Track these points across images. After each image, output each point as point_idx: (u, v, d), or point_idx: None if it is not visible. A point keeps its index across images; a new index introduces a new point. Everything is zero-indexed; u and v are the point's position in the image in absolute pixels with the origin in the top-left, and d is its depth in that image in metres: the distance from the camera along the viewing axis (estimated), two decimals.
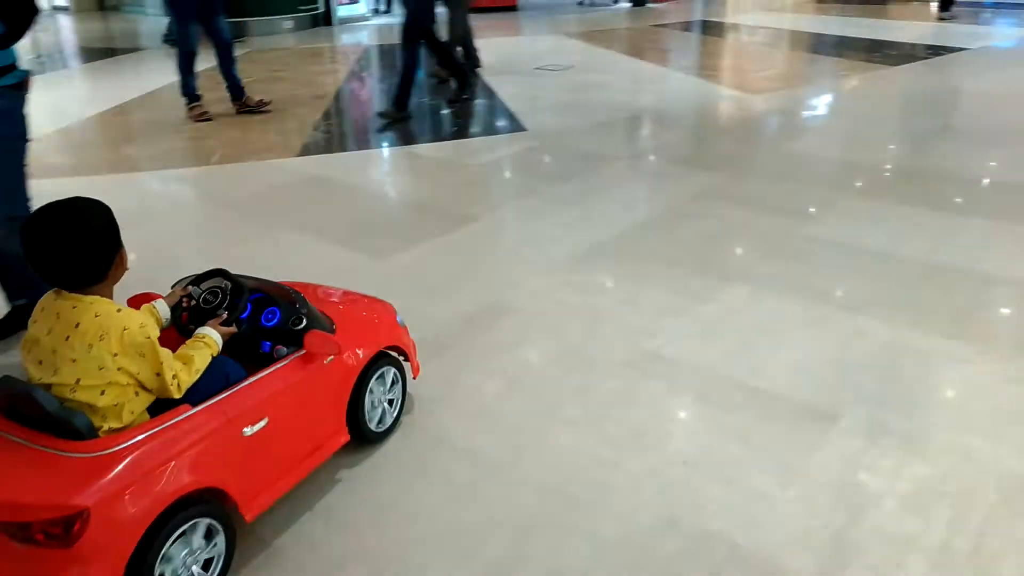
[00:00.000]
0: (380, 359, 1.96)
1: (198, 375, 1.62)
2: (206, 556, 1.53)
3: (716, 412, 2.13)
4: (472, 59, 6.85)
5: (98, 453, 1.40)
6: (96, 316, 1.48)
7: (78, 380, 1.47)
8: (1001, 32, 9.22)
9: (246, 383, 1.65)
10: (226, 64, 5.52)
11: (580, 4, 12.71)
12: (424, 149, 4.96)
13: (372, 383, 1.93)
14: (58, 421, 1.42)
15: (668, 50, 8.84)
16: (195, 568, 1.50)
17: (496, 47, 9.02)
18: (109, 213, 1.54)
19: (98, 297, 1.51)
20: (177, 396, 1.56)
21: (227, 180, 4.31)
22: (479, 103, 6.16)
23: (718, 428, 2.06)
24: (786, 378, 2.28)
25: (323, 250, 3.26)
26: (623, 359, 2.40)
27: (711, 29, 10.38)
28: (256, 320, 1.85)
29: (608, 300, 2.82)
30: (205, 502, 1.51)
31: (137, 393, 1.53)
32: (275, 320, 1.83)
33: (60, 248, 1.46)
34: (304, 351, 1.76)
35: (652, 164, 4.47)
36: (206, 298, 1.86)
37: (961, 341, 2.47)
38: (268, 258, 3.18)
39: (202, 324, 1.73)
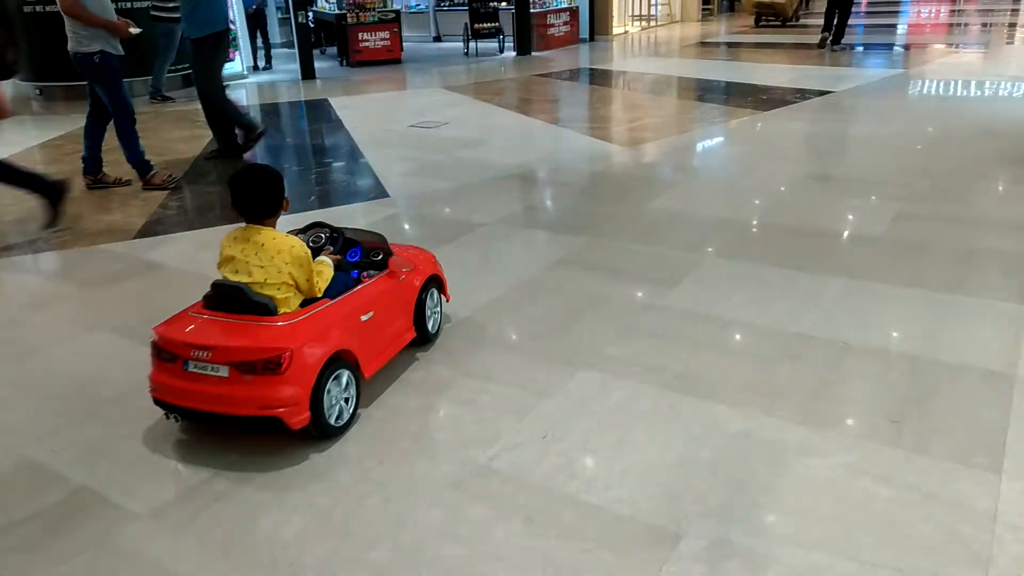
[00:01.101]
0: (430, 283, 2.89)
1: (328, 283, 2.50)
2: (345, 396, 2.37)
3: (544, 542, 1.88)
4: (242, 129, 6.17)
5: (290, 322, 2.28)
6: (273, 239, 2.37)
7: (265, 280, 2.33)
8: (866, 74, 9.61)
9: (357, 289, 2.56)
10: (100, 133, 5.26)
11: (466, 55, 12.68)
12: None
13: (427, 299, 2.85)
14: (258, 305, 2.28)
15: (549, 102, 8.81)
16: (341, 402, 2.34)
17: (372, 104, 8.81)
18: (279, 175, 2.48)
19: (272, 228, 2.42)
20: (318, 295, 2.45)
21: (48, 270, 3.87)
22: (343, 167, 5.89)
23: (543, 563, 1.80)
24: (628, 489, 2.06)
25: (140, 355, 2.89)
26: (450, 478, 2.13)
27: (595, 78, 10.47)
28: (344, 254, 2.82)
29: (447, 401, 2.56)
30: (344, 360, 2.35)
31: (295, 293, 2.39)
32: (357, 256, 2.81)
33: (256, 192, 2.40)
34: (389, 270, 2.71)
35: (516, 230, 4.27)
36: (313, 240, 2.82)
37: (812, 427, 2.30)
38: (79, 364, 2.78)
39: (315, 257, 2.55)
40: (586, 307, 3.23)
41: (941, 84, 8.69)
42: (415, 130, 7.04)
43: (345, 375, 2.36)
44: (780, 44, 12.66)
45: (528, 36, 12.27)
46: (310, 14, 12.53)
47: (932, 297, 3.21)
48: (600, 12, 13.93)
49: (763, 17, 15.61)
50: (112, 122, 5.17)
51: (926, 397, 2.47)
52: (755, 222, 4.29)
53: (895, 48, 11.74)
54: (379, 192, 5.04)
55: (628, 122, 7.39)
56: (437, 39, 15.35)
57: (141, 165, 5.27)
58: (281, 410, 2.17)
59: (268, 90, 9.71)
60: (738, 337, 2.93)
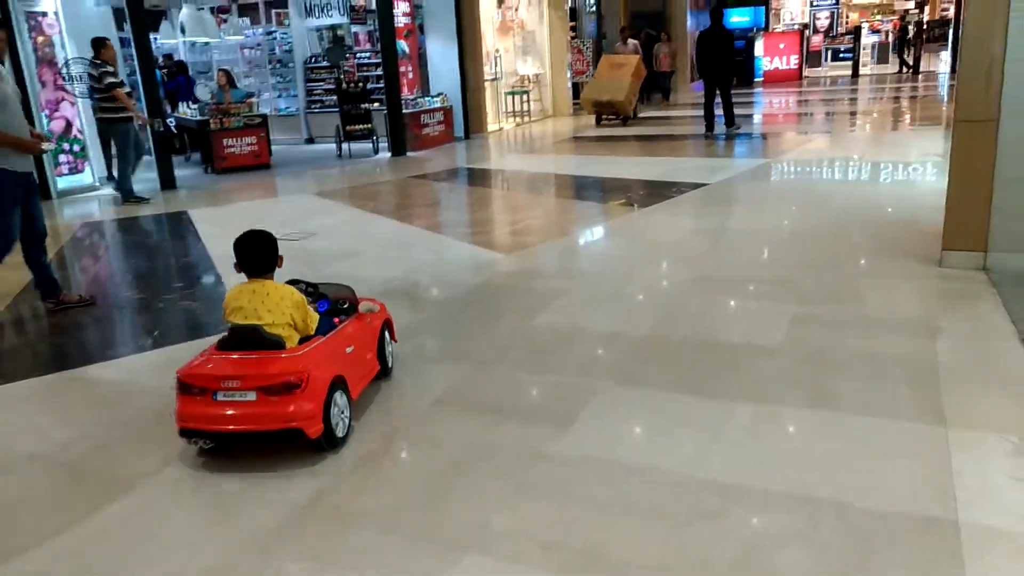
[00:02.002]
0: (384, 325, 3.54)
1: (316, 324, 3.08)
2: (343, 415, 2.95)
3: None
4: None
5: (303, 351, 2.87)
6: (276, 288, 2.99)
7: (273, 321, 2.91)
8: (735, 164, 9.90)
9: (340, 327, 3.19)
10: (38, 255, 4.81)
11: (339, 157, 12.33)
12: (101, 370, 3.95)
13: (386, 337, 3.55)
14: (271, 342, 2.87)
15: (426, 206, 8.51)
16: (342, 418, 2.93)
17: (236, 215, 8.22)
18: (274, 238, 3.12)
19: (271, 280, 3.04)
20: (311, 334, 3.03)
21: None
22: (195, 293, 5.28)
23: None
24: None
25: None
26: None
27: (472, 178, 10.31)
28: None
29: None
30: (341, 383, 2.94)
31: (294, 332, 2.98)
32: (325, 307, 3.36)
33: (258, 252, 3.03)
34: (359, 314, 3.36)
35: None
36: None
37: None
38: None
39: None
40: (469, 462, 2.78)
41: (804, 172, 9.02)
42: (281, 244, 6.50)
43: (343, 396, 2.95)
44: (652, 136, 13.04)
45: (402, 136, 12.08)
46: (170, 121, 11.91)
47: (845, 421, 2.95)
48: (474, 109, 13.99)
49: (603, 116, 14.82)
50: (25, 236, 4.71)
51: (865, 558, 2.13)
52: (647, 335, 3.99)
53: (755, 137, 12.29)
54: None
55: (508, 225, 7.15)
56: (309, 141, 14.97)
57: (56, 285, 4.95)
58: (302, 422, 2.71)
59: (122, 203, 8.95)
60: (644, 490, 2.53)
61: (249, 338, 2.87)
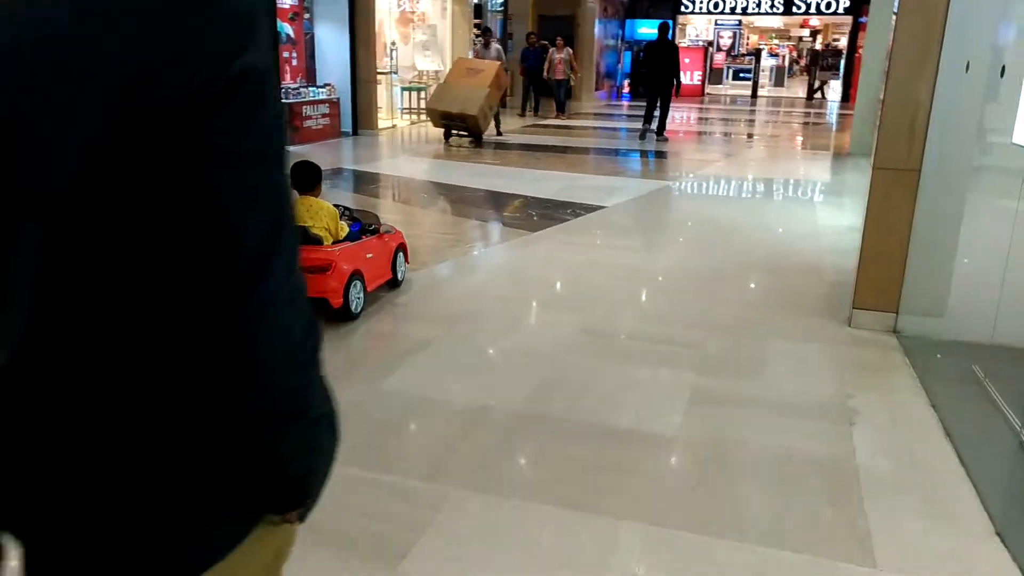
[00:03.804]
0: (399, 248, 4.82)
1: (346, 233, 4.31)
2: (358, 296, 4.23)
3: None
4: None
5: (333, 248, 4.13)
6: (318, 203, 4.21)
7: (313, 224, 4.06)
8: (633, 185, 9.40)
9: (364, 240, 4.45)
10: None
11: None
12: None
13: (398, 255, 4.81)
14: (312, 238, 4.01)
15: None
16: (357, 298, 4.21)
17: None
18: (318, 167, 4.34)
19: (316, 197, 4.24)
20: (341, 239, 4.26)
21: None
22: None
23: None
24: None
25: None
26: None
27: (353, 181, 9.36)
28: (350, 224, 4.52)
29: None
30: (359, 275, 4.20)
31: (328, 236, 4.17)
32: (357, 227, 4.51)
33: (307, 176, 4.19)
34: (379, 233, 4.62)
35: None
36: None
37: None
38: None
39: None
40: None
41: (705, 199, 8.61)
42: None
43: (359, 285, 4.21)
44: (551, 147, 12.42)
45: None
46: None
47: (759, 558, 2.32)
48: (364, 104, 12.99)
49: (452, 132, 12.00)
50: None
51: None
52: (518, 412, 3.28)
53: (652, 156, 11.90)
54: None
55: None
56: None
57: None
58: (329, 295, 3.96)
59: None
60: None
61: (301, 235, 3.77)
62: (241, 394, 0.75)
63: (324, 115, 12.13)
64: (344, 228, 4.32)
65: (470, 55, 15.06)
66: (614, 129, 15.48)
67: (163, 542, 0.78)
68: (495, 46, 13.90)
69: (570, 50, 16.94)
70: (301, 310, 0.78)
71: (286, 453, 0.82)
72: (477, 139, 11.98)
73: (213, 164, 0.67)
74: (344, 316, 4.12)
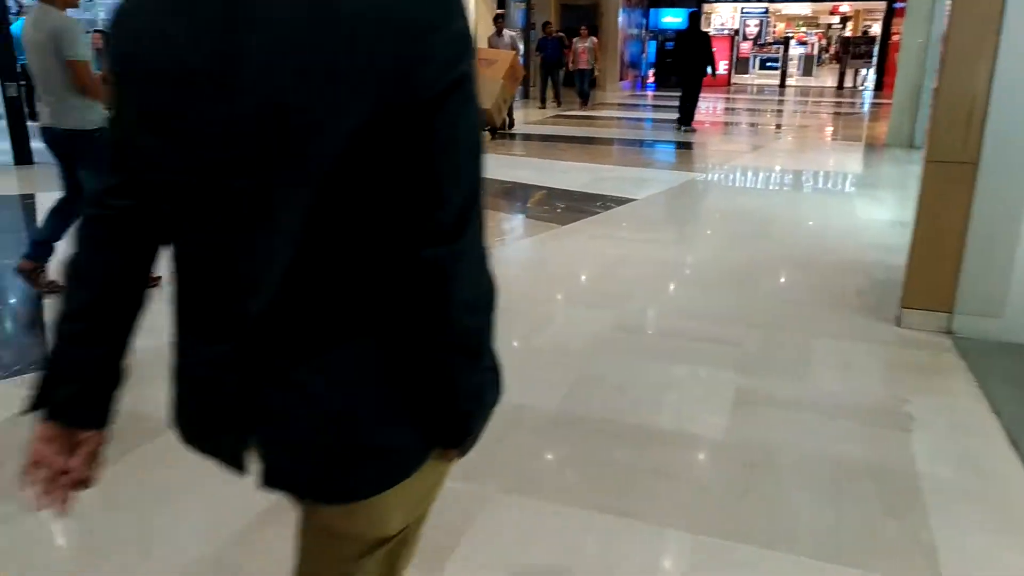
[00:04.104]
0: None
1: None
2: None
3: None
4: None
5: None
6: None
7: None
8: (663, 177, 9.21)
9: None
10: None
11: None
12: None
13: None
14: None
15: None
16: None
17: None
18: None
19: None
20: None
21: None
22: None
23: None
24: None
25: None
26: None
27: None
28: None
29: None
30: None
31: None
32: None
33: None
34: None
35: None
36: None
37: None
38: None
39: None
40: None
41: (738, 192, 8.40)
42: None
43: None
44: (576, 138, 12.25)
45: None
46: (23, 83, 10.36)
47: (818, 574, 2.18)
48: None
49: None
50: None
51: None
52: (554, 413, 3.15)
53: (682, 147, 11.69)
54: None
55: None
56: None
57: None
58: None
59: None
60: None
61: None
62: (435, 323, 0.94)
63: None
64: None
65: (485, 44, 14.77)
66: (640, 120, 15.28)
67: (381, 456, 0.99)
68: (508, 33, 13.11)
69: (594, 39, 16.67)
70: (485, 271, 0.97)
71: (460, 387, 1.00)
72: (492, 132, 11.80)
73: (435, 145, 0.87)
74: None
